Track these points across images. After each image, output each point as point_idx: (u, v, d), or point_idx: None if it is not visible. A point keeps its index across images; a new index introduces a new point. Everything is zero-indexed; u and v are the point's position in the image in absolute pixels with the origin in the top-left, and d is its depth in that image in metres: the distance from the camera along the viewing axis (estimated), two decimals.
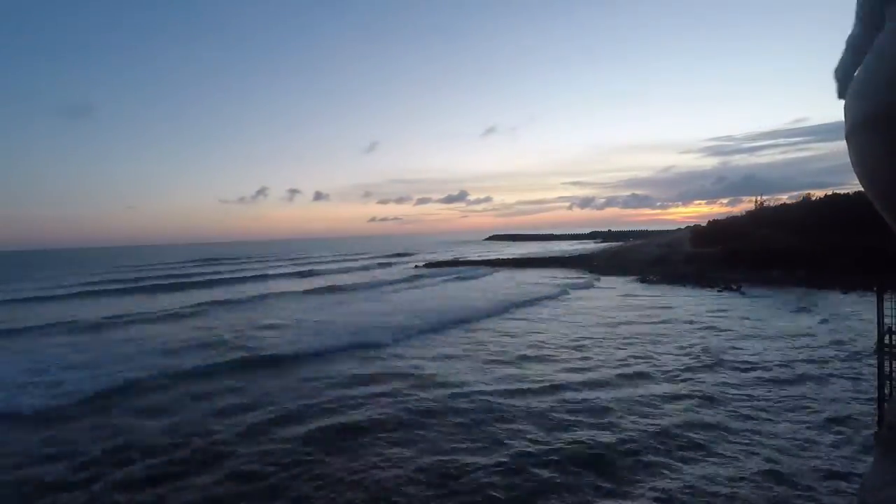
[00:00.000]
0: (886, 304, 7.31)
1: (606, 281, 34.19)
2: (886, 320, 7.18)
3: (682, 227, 61.39)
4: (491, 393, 10.45)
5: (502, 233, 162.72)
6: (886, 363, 7.11)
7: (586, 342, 15.20)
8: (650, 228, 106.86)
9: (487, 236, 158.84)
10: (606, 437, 8.22)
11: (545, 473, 7.05)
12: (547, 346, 14.93)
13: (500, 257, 57.65)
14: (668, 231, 66.06)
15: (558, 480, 6.86)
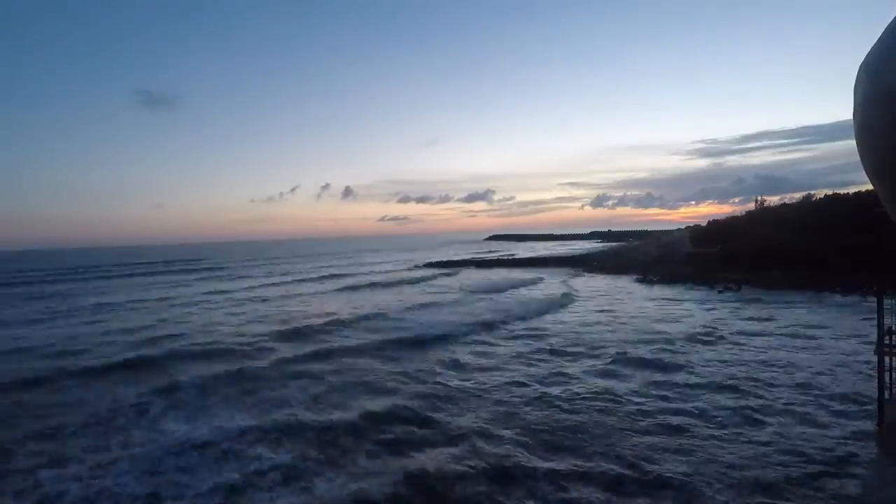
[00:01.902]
0: (886, 304, 7.32)
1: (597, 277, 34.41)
2: (886, 320, 7.18)
3: (682, 227, 61.40)
4: None
5: (502, 233, 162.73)
6: (886, 363, 7.11)
7: None
8: (650, 228, 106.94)
9: (487, 236, 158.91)
10: None
11: None
12: None
13: (504, 257, 57.70)
14: (668, 231, 66.04)
15: None
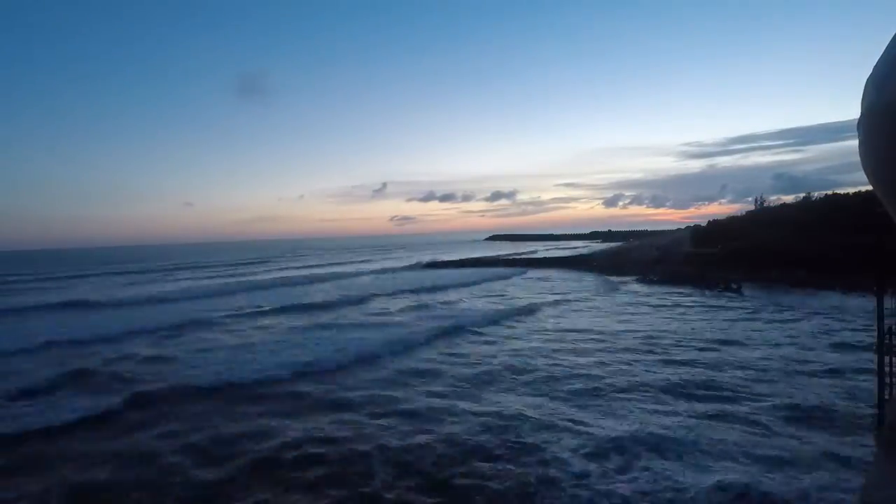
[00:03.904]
0: (886, 304, 7.32)
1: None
2: (886, 320, 7.18)
3: (682, 227, 61.29)
4: None
5: (501, 233, 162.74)
6: (886, 362, 7.11)
7: None
8: (650, 228, 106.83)
9: (487, 236, 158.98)
10: None
11: None
12: None
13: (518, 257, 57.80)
14: (668, 231, 66.00)
15: None
